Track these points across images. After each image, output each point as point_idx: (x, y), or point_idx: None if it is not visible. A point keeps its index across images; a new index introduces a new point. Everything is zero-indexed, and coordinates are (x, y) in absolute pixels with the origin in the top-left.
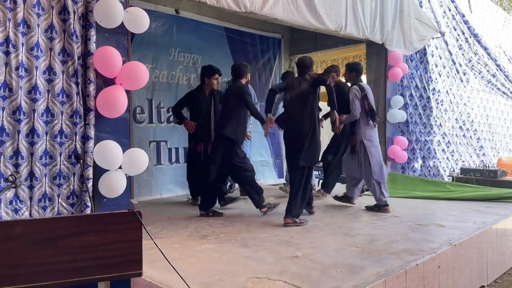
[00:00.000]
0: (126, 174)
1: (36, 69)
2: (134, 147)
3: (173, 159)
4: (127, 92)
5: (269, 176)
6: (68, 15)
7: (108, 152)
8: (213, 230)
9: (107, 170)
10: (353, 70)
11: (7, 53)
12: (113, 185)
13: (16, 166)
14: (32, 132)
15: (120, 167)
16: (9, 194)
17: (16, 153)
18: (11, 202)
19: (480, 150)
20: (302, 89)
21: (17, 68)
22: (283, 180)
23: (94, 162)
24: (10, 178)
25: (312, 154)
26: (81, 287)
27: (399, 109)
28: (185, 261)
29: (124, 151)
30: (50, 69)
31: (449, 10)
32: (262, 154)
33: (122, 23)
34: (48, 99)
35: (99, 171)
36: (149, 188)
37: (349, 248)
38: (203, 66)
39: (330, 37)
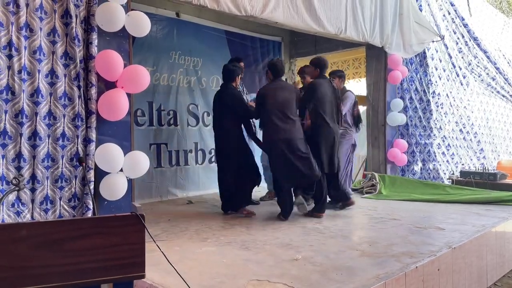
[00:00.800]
0: (127, 177)
1: (38, 72)
2: (134, 149)
3: (173, 161)
4: (128, 95)
5: (270, 179)
6: (70, 19)
7: (109, 155)
8: (214, 233)
9: (108, 173)
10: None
11: (10, 57)
12: (114, 187)
13: (19, 169)
14: (34, 135)
15: (121, 170)
16: (11, 196)
17: (18, 156)
18: (13, 205)
19: (480, 153)
20: (332, 96)
21: (19, 72)
22: None
23: (95, 164)
24: (14, 181)
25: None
26: None
27: (398, 112)
28: (186, 264)
29: (125, 154)
30: (52, 73)
31: (449, 13)
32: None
33: (124, 26)
34: (50, 102)
35: (100, 174)
36: (149, 190)
37: (349, 250)
38: (228, 66)
39: (330, 40)
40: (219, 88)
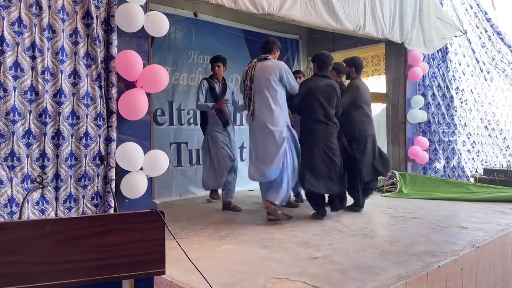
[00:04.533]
0: (147, 175)
1: (61, 73)
2: (155, 148)
3: (194, 160)
4: (148, 95)
5: None
6: (91, 20)
7: (129, 153)
8: (232, 231)
9: (128, 172)
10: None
11: (33, 58)
12: (135, 186)
13: (43, 167)
14: (57, 134)
15: (141, 169)
16: (36, 195)
17: (43, 155)
18: (37, 203)
19: (506, 150)
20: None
21: (43, 72)
22: None
23: (116, 163)
24: (38, 179)
25: None
26: (105, 284)
27: (419, 109)
28: (205, 262)
29: (145, 152)
30: (75, 73)
31: (471, 7)
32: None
33: (143, 27)
34: (73, 102)
35: (121, 173)
36: (169, 189)
37: (369, 249)
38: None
39: (348, 37)
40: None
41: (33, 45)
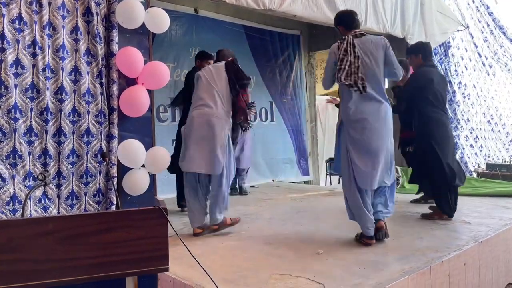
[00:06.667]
0: (149, 172)
1: (62, 70)
2: (157, 145)
3: None
4: (149, 91)
5: (290, 173)
6: (91, 16)
7: (131, 150)
8: (235, 227)
9: (130, 168)
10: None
11: (34, 55)
12: (137, 183)
13: (45, 165)
14: (59, 132)
15: (143, 165)
16: (38, 192)
17: (44, 152)
18: (40, 200)
19: (509, 145)
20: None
21: (43, 70)
22: (305, 178)
23: (118, 160)
24: (40, 177)
25: None
26: (109, 282)
27: None
28: (208, 258)
29: (146, 149)
30: (76, 70)
31: (473, 1)
32: (285, 151)
33: (143, 23)
34: (74, 99)
35: (123, 169)
36: (172, 185)
37: (372, 245)
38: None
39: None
40: None
41: (33, 42)
